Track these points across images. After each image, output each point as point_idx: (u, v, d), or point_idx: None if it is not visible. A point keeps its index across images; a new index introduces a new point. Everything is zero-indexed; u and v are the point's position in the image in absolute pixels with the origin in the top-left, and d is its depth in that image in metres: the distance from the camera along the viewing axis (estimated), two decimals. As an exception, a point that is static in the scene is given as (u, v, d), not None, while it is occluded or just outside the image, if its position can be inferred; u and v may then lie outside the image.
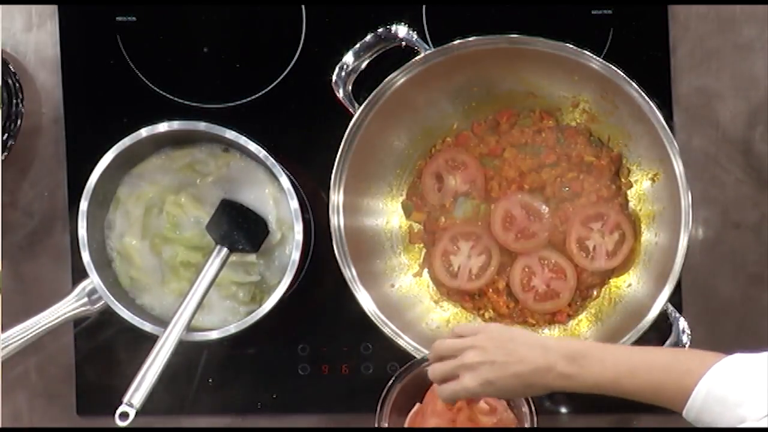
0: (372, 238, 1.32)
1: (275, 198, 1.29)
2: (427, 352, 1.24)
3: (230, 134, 1.25)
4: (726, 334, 1.34)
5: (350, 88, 1.25)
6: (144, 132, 1.25)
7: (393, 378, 1.20)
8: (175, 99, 1.37)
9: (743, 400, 0.94)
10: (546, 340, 1.10)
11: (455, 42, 1.24)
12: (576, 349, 1.04)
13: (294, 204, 1.25)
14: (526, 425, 1.20)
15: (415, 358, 1.25)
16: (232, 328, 1.25)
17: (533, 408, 1.21)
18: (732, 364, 0.97)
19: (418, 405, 1.23)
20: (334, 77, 1.25)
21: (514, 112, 1.33)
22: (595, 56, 1.22)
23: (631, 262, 1.30)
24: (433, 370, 1.09)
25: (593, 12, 1.35)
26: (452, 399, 1.10)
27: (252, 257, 1.28)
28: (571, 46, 1.22)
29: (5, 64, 1.34)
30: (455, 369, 1.07)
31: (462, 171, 1.34)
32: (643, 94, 1.20)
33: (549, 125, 1.33)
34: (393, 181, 1.34)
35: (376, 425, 1.20)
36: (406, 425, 1.23)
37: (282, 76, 1.37)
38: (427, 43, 1.25)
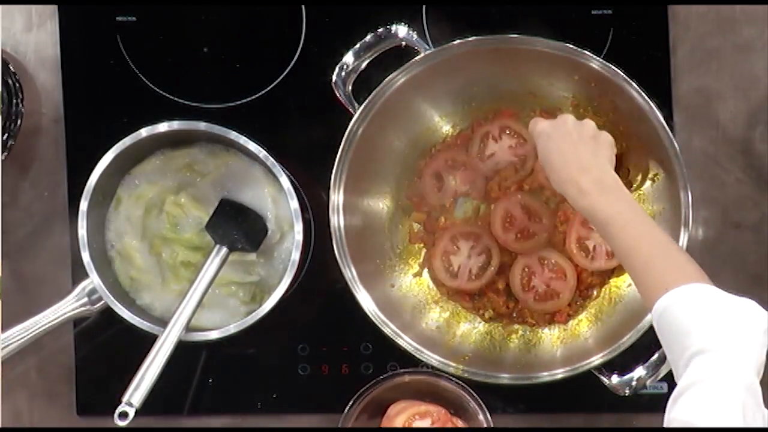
0: (372, 238, 1.32)
1: (275, 198, 1.29)
2: (427, 351, 1.24)
3: (230, 134, 1.25)
4: (726, 334, 1.34)
5: (350, 88, 1.25)
6: (144, 132, 1.25)
7: (368, 385, 1.25)
8: (175, 99, 1.37)
9: (691, 330, 0.95)
10: (605, 165, 1.13)
11: (455, 42, 1.24)
12: (610, 181, 1.11)
13: (294, 204, 1.25)
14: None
15: (414, 358, 1.25)
16: (232, 328, 1.25)
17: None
18: (696, 291, 0.98)
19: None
20: (334, 77, 1.25)
21: (514, 112, 1.33)
22: (595, 56, 1.22)
23: (631, 262, 1.30)
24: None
25: (593, 12, 1.35)
26: (530, 128, 1.20)
27: (252, 257, 1.28)
28: (571, 46, 1.22)
29: (5, 64, 1.34)
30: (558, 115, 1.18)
31: (462, 171, 1.34)
32: (643, 94, 1.20)
33: (549, 125, 1.33)
34: (393, 181, 1.34)
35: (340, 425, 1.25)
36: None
37: (282, 76, 1.37)
38: (427, 43, 1.25)
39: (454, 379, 1.27)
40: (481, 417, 1.27)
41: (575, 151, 1.13)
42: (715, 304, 0.97)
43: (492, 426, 1.28)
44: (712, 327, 0.95)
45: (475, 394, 1.27)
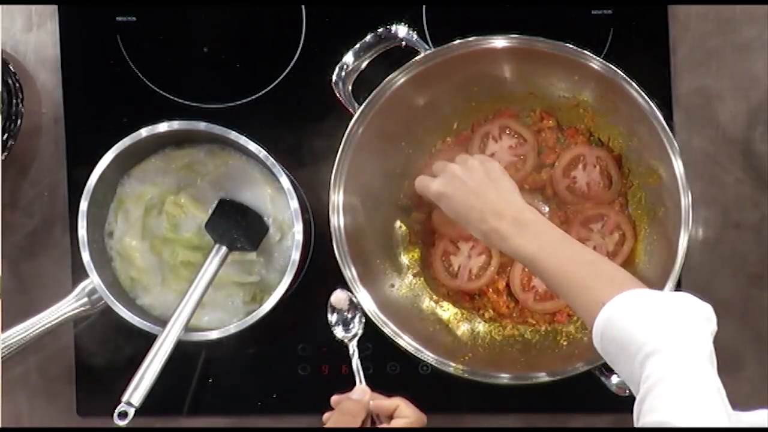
0: (372, 238, 1.32)
1: (275, 198, 1.29)
2: (427, 351, 1.24)
3: (230, 134, 1.25)
4: (726, 334, 1.33)
5: (350, 88, 1.25)
6: (144, 132, 1.25)
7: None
8: (175, 99, 1.37)
9: (636, 335, 0.94)
10: (514, 199, 1.13)
11: (455, 42, 1.24)
12: (526, 217, 1.10)
13: (294, 204, 1.25)
14: None
15: (415, 358, 1.25)
16: (232, 328, 1.25)
17: None
18: (632, 298, 0.98)
19: None
20: (334, 77, 1.25)
21: (514, 112, 1.33)
22: (595, 56, 1.22)
23: (631, 262, 1.30)
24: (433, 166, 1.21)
25: (593, 12, 1.35)
26: (419, 190, 1.21)
27: (252, 256, 1.28)
28: (571, 46, 1.22)
29: (5, 64, 1.34)
30: (440, 169, 1.18)
31: (462, 171, 1.34)
32: (643, 94, 1.20)
33: (549, 125, 1.33)
34: (393, 180, 1.34)
35: None
36: None
37: (282, 76, 1.37)
38: (427, 43, 1.25)
39: None
40: None
41: (482, 200, 1.12)
42: (654, 305, 0.97)
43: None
44: (657, 327, 0.94)
45: None
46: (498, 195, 1.13)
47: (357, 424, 1.09)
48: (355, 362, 1.19)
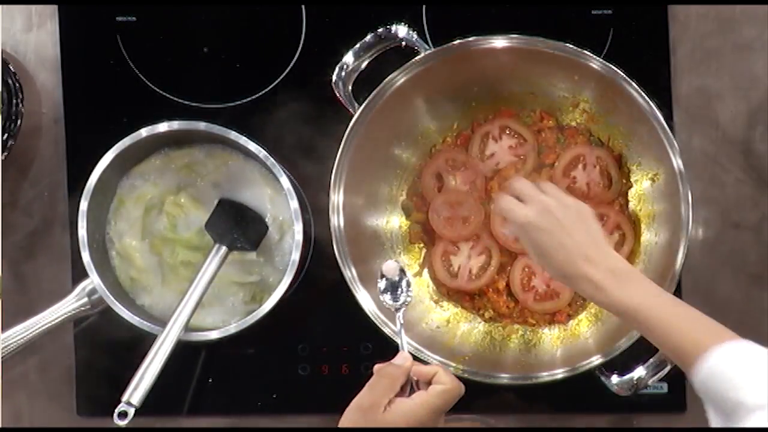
0: (372, 238, 1.32)
1: (274, 198, 1.29)
2: (427, 351, 1.24)
3: (230, 134, 1.25)
4: (726, 334, 1.34)
5: (350, 88, 1.25)
6: (144, 132, 1.25)
7: None
8: (175, 99, 1.37)
9: (744, 384, 0.94)
10: (605, 246, 1.09)
11: (455, 42, 1.24)
12: (622, 268, 1.06)
13: (294, 204, 1.25)
14: None
15: (414, 358, 1.24)
16: (232, 328, 1.25)
17: None
18: (742, 348, 0.98)
19: None
20: (334, 77, 1.25)
21: (514, 112, 1.33)
22: (595, 56, 1.22)
23: (631, 262, 1.30)
24: (514, 183, 1.14)
25: (593, 12, 1.35)
26: (503, 211, 1.13)
27: (252, 256, 1.28)
28: (571, 46, 1.22)
29: (5, 64, 1.34)
30: (530, 196, 1.11)
31: (462, 171, 1.34)
32: (643, 94, 1.20)
33: (549, 125, 1.33)
34: (393, 180, 1.34)
35: None
36: None
37: (282, 76, 1.37)
38: (427, 43, 1.25)
39: None
40: None
41: (573, 241, 1.08)
42: (762, 359, 0.96)
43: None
44: (765, 382, 0.93)
45: None
46: (589, 239, 1.08)
47: (396, 388, 1.09)
48: (401, 332, 1.18)
